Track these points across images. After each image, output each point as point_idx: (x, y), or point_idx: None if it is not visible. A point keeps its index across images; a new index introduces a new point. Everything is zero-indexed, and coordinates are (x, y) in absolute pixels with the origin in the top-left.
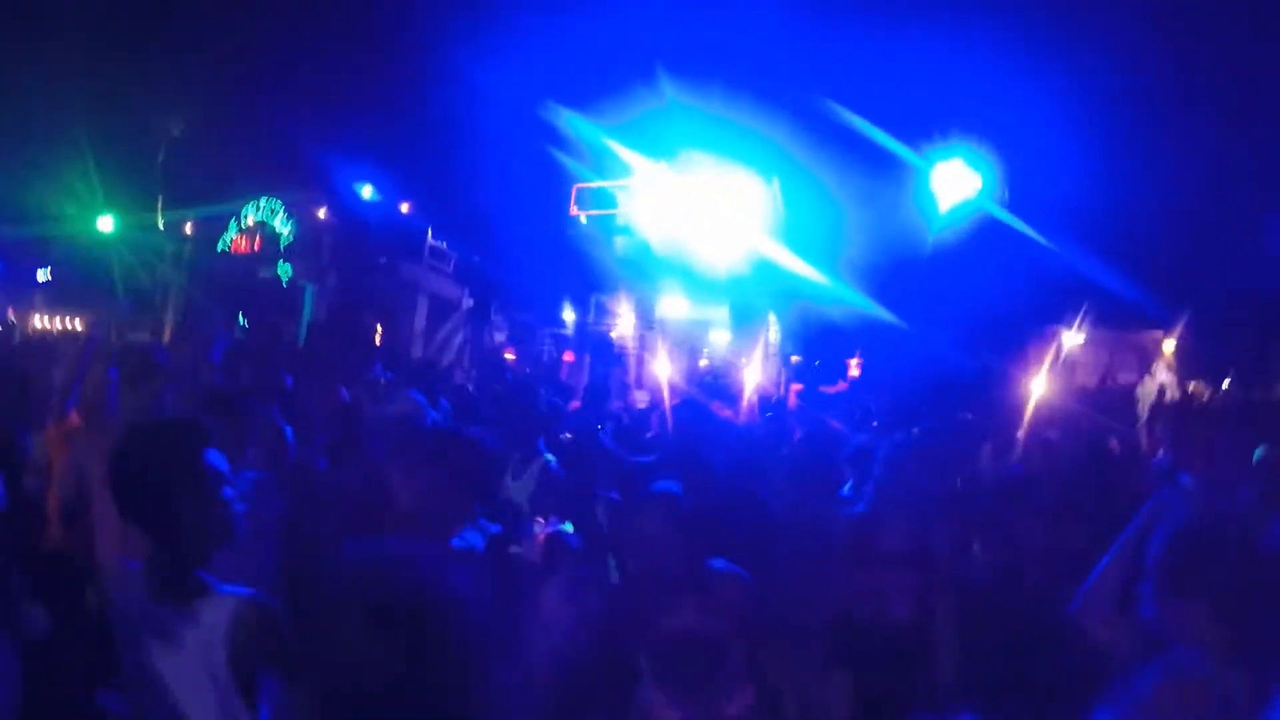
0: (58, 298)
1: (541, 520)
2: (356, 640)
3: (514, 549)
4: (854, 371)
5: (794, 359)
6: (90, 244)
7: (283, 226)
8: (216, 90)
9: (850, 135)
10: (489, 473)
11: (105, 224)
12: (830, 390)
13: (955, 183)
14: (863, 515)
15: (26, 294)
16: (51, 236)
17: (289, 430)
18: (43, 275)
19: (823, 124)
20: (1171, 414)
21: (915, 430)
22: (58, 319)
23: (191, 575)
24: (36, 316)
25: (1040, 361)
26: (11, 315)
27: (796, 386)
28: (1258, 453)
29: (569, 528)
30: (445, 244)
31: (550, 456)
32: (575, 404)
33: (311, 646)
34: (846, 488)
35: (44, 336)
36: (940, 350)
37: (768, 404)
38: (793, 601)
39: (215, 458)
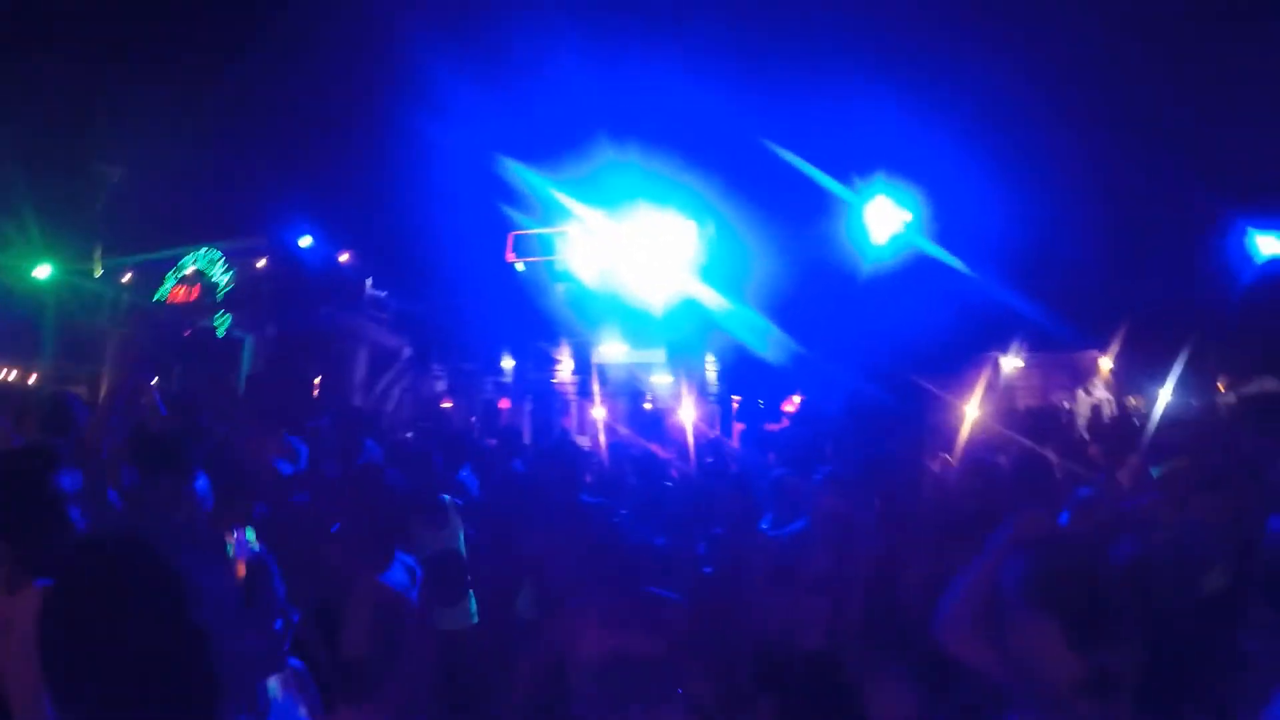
0: None
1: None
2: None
3: None
4: (790, 409)
5: (735, 399)
6: (27, 292)
7: (221, 276)
8: (156, 137)
9: (780, 178)
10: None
11: (42, 272)
12: (774, 428)
13: (886, 219)
14: (780, 543)
15: None
16: None
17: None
18: None
19: (753, 169)
20: (1108, 430)
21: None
22: None
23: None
24: None
25: (976, 388)
26: None
27: (739, 426)
28: (1155, 470)
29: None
30: (384, 293)
31: (446, 497)
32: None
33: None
34: (766, 520)
35: None
36: (875, 383)
37: (706, 446)
38: (721, 629)
39: (66, 480)
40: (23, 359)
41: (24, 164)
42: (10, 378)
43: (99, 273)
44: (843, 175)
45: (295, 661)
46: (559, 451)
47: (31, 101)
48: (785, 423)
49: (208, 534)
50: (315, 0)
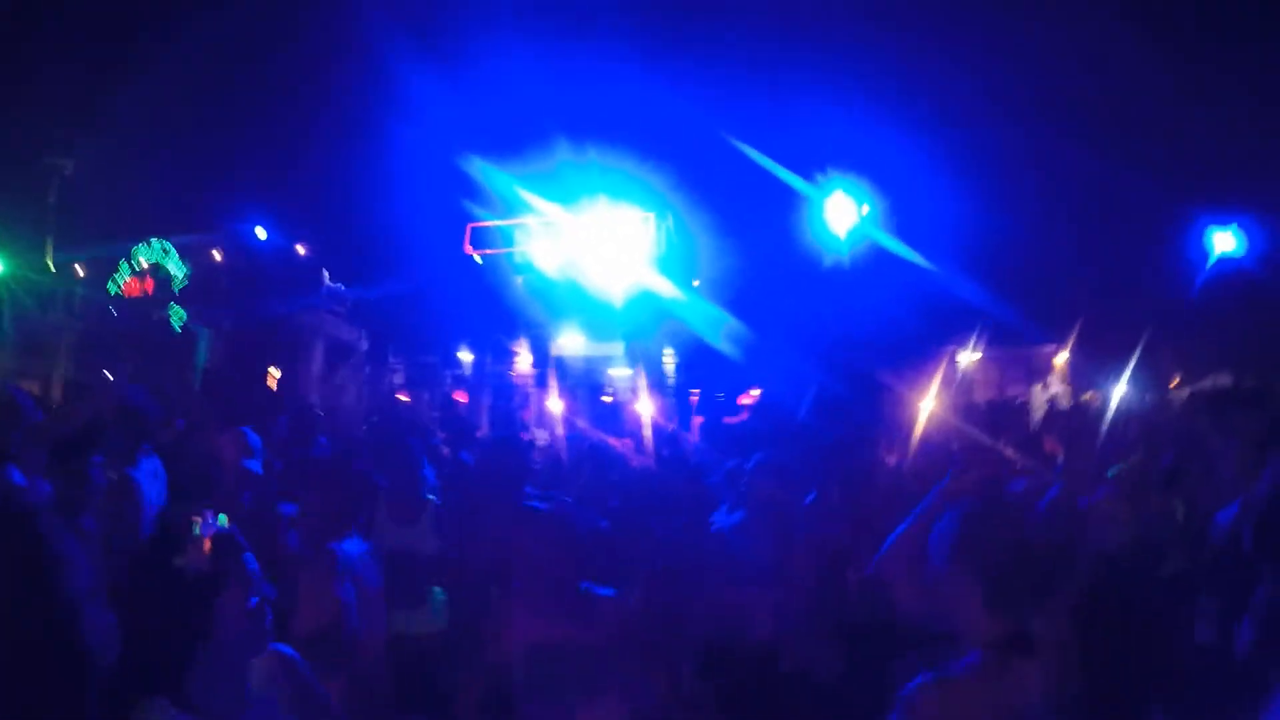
0: None
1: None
2: None
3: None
4: (748, 401)
5: (693, 392)
6: None
7: (176, 269)
8: (110, 127)
9: (739, 172)
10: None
11: None
12: (732, 420)
13: (844, 212)
14: (724, 532)
15: None
16: None
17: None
18: None
19: (712, 162)
20: (1063, 422)
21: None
22: None
23: None
24: None
25: (933, 381)
26: None
27: (698, 419)
28: (1111, 471)
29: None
30: (341, 285)
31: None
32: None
33: None
34: (720, 511)
35: None
36: (832, 375)
37: (664, 438)
38: (667, 621)
39: (14, 474)
40: None
41: None
42: None
43: (51, 267)
44: (801, 169)
45: (284, 647)
46: (503, 443)
47: None
48: (744, 415)
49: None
50: None
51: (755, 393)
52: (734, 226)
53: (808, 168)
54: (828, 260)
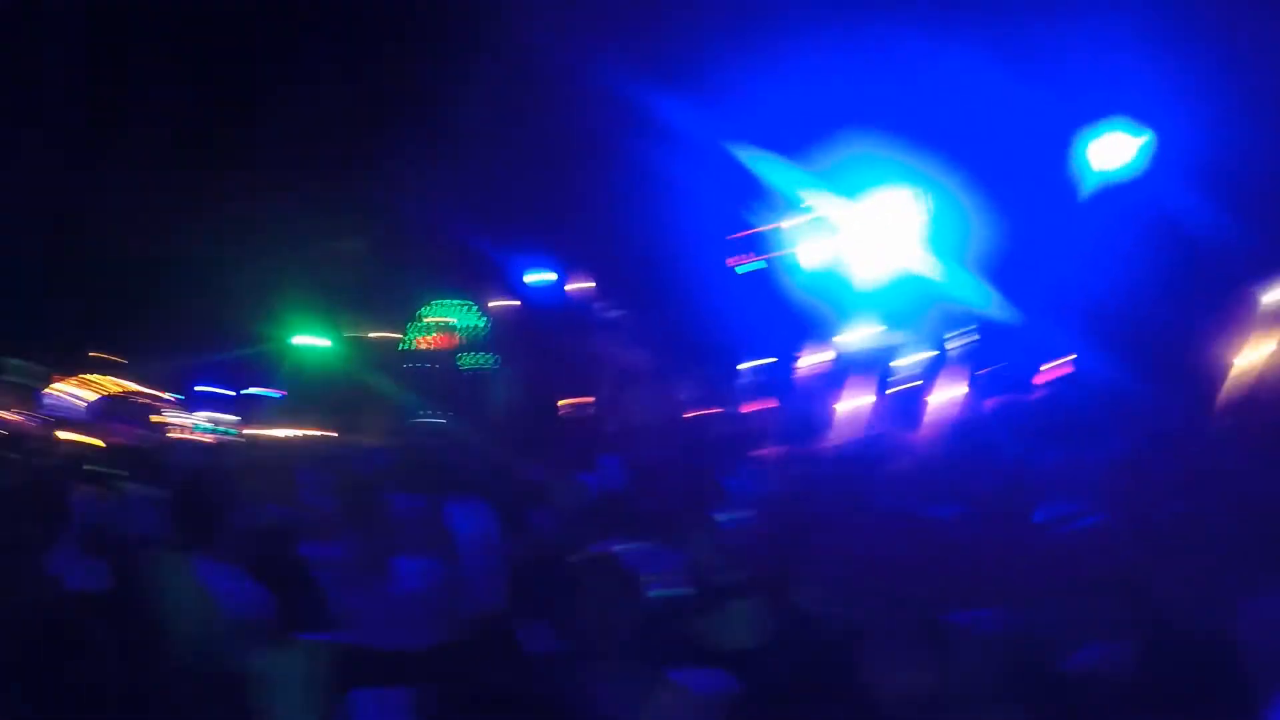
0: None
1: None
2: None
3: None
4: (1045, 377)
5: (982, 372)
6: (293, 359)
7: (465, 319)
8: (402, 203)
9: (1004, 129)
10: None
11: (302, 339)
12: (1030, 399)
13: (1117, 152)
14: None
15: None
16: (261, 356)
17: None
18: (261, 392)
19: (972, 126)
20: None
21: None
22: (280, 430)
23: None
24: (264, 429)
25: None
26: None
27: (991, 401)
28: None
29: None
30: (623, 312)
31: None
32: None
33: None
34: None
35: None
36: (1141, 341)
37: (963, 426)
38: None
39: None
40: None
41: (281, 245)
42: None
43: (353, 333)
44: (1064, 116)
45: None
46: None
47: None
48: (1042, 394)
49: None
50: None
51: (1049, 367)
52: (998, 190)
53: (1071, 112)
54: (1098, 212)
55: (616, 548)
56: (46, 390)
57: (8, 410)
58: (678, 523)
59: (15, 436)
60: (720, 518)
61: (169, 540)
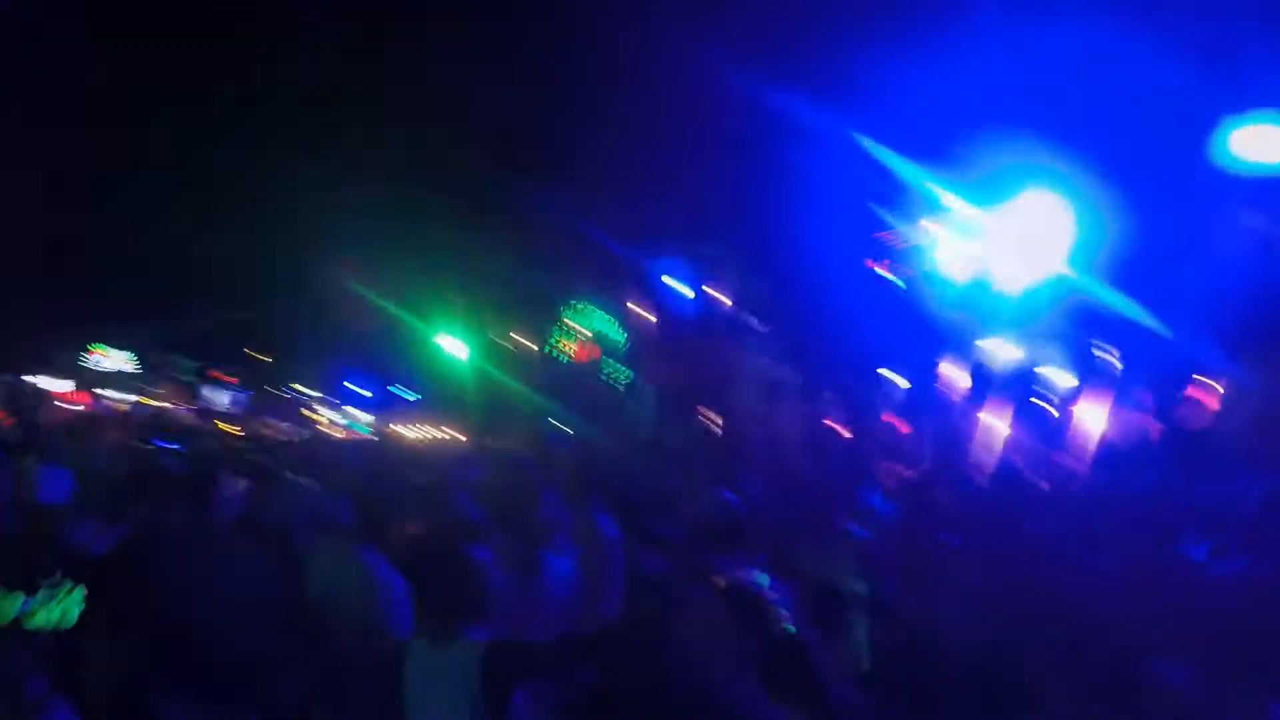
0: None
1: None
2: None
3: None
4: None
5: (1143, 394)
6: (441, 364)
7: (609, 330)
8: (549, 212)
9: (1146, 133)
10: None
11: (451, 345)
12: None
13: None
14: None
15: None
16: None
17: None
18: (403, 393)
19: (1118, 128)
20: None
21: None
22: (420, 430)
23: None
24: (403, 429)
25: None
26: (383, 428)
27: (1148, 422)
28: None
29: None
30: (765, 325)
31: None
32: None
33: None
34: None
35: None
36: None
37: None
38: None
39: None
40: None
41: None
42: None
43: (498, 339)
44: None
45: None
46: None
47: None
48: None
49: None
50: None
51: (1199, 387)
52: (1147, 195)
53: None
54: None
55: (754, 575)
56: (205, 385)
57: (174, 402)
58: (810, 536)
59: (180, 427)
60: (854, 532)
61: (341, 532)
